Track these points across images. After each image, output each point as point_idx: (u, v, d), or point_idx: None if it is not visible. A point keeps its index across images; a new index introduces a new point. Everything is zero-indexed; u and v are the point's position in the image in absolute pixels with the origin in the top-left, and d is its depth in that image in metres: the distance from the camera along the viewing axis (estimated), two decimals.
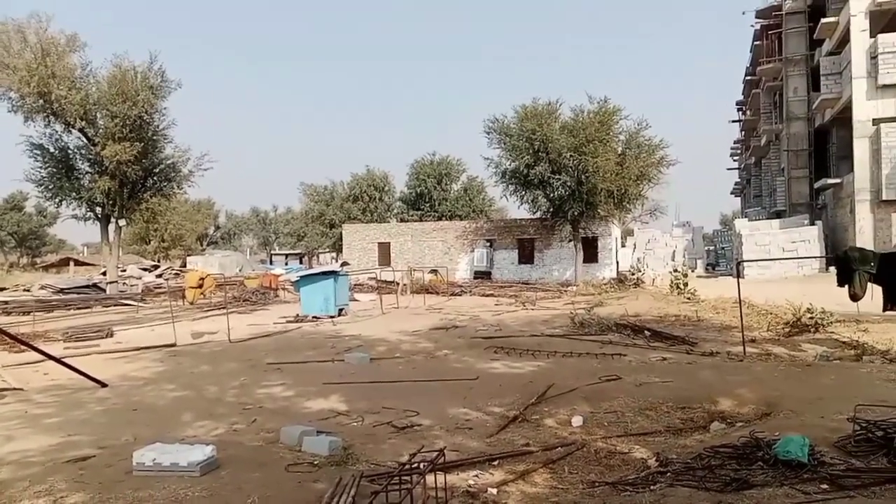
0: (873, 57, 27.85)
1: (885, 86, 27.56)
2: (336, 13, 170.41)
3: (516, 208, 35.39)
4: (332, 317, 18.68)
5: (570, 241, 33.72)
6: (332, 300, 18.99)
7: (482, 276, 36.43)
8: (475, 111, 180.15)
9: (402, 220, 49.31)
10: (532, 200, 33.00)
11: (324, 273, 19.70)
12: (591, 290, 26.51)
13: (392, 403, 7.78)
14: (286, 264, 52.28)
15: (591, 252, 34.99)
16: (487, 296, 26.67)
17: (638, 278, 28.39)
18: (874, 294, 10.40)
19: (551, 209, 32.98)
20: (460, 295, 27.33)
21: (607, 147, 30.10)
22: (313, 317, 18.64)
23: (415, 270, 31.21)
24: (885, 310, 10.48)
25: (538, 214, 34.28)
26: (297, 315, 19.04)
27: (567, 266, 34.93)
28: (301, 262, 56.32)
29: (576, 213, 31.76)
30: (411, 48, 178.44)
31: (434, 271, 32.94)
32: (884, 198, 27.44)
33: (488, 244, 37.38)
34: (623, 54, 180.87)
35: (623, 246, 41.76)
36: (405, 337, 14.13)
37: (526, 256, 36.69)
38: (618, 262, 36.84)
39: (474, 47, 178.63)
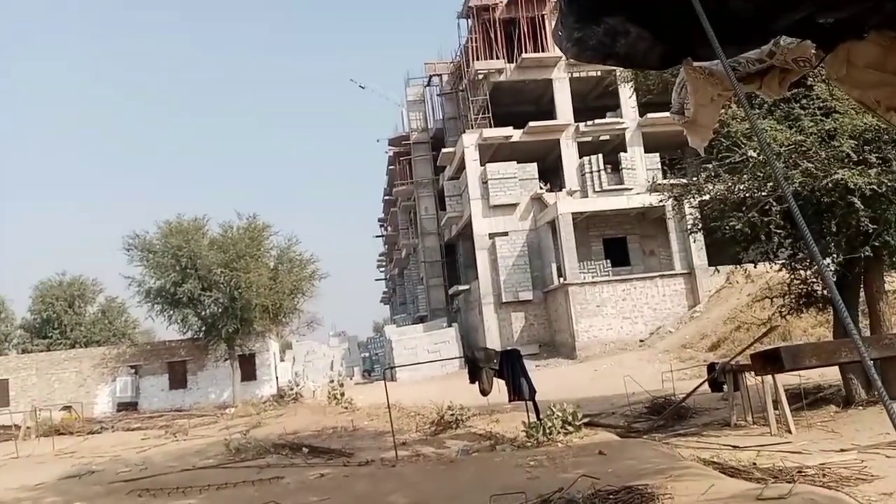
0: (484, 182, 32.97)
1: (495, 206, 32.67)
2: None
3: (164, 329, 33.09)
4: None
5: (227, 359, 32.42)
6: None
7: (127, 407, 32.75)
8: (111, 227, 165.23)
9: (24, 352, 42.43)
10: (182, 320, 31.20)
11: None
12: (251, 409, 25.51)
13: None
14: None
15: (249, 369, 33.94)
16: (133, 430, 23.99)
17: (297, 393, 28.23)
18: (500, 387, 11.80)
19: (204, 328, 31.53)
20: (100, 432, 24.14)
21: (259, 262, 30.25)
22: None
23: (41, 410, 26.78)
24: (510, 400, 11.96)
25: (189, 334, 32.43)
26: None
27: (224, 387, 33.30)
28: None
29: (231, 331, 30.80)
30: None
31: (67, 408, 28.63)
32: (503, 300, 31.95)
33: (133, 371, 33.95)
34: (277, 176, 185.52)
35: (282, 360, 41.45)
36: (25, 494, 11.78)
37: (178, 381, 34.05)
38: (277, 377, 36.26)
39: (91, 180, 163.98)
